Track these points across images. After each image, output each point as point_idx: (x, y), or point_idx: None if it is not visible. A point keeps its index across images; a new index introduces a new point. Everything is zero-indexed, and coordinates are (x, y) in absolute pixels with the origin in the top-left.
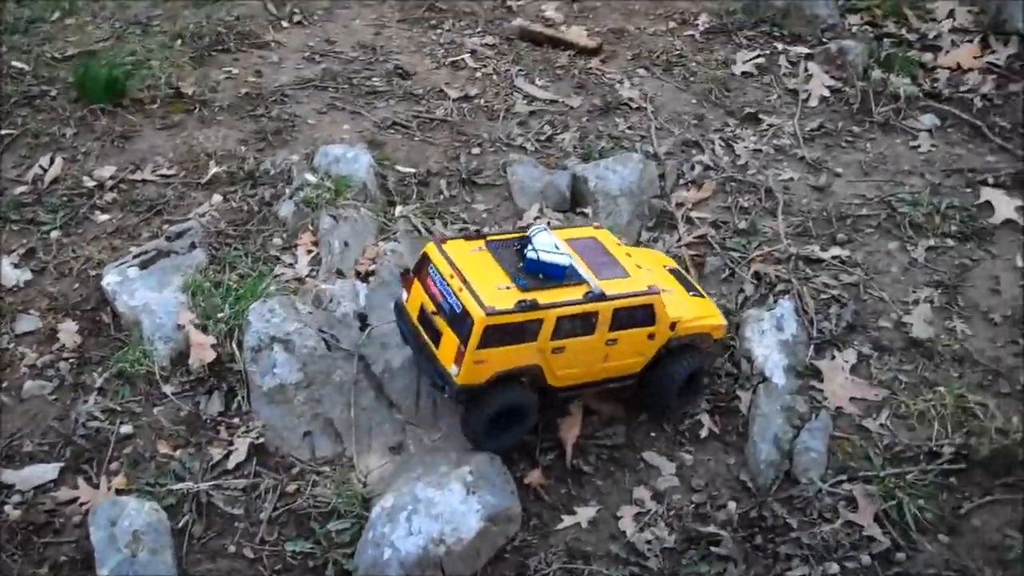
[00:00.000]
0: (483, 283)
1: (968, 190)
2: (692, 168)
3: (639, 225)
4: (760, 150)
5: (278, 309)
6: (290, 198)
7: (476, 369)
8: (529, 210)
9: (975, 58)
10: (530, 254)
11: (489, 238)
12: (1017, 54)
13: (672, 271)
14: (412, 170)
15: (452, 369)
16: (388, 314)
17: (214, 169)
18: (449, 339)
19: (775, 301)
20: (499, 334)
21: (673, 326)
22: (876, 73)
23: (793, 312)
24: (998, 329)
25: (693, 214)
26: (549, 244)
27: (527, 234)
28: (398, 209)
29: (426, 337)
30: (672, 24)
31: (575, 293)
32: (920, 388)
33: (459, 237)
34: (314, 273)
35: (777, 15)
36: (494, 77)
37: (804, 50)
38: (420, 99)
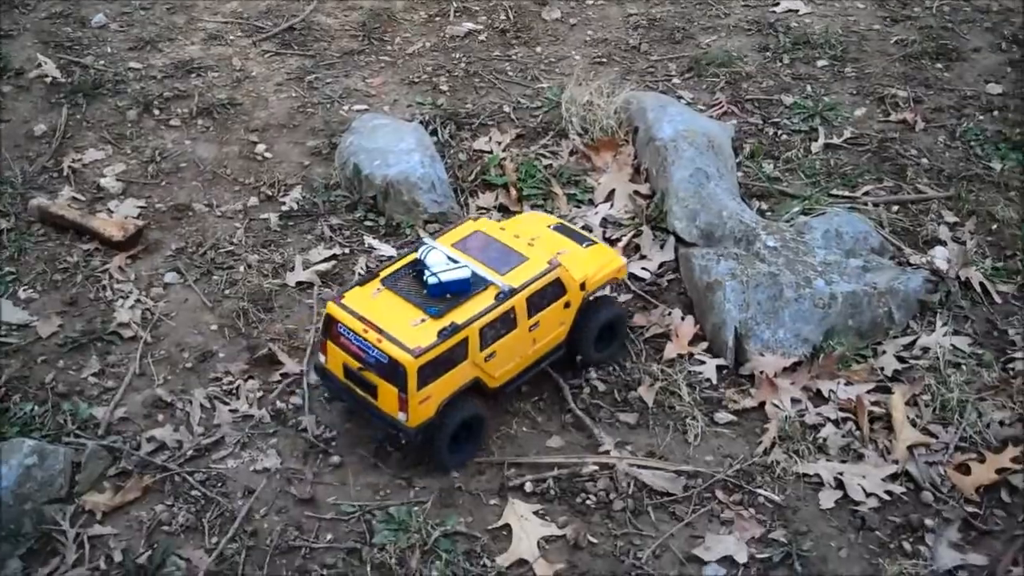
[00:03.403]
0: (398, 325)
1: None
2: (137, 447)
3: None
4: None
5: None
6: None
7: (423, 408)
8: None
9: None
10: (430, 279)
11: (383, 275)
12: (674, 263)
13: (557, 228)
14: None
15: (400, 417)
16: None
17: None
18: (387, 390)
19: None
20: (433, 368)
21: (583, 285)
22: None
23: None
24: None
25: (94, 531)
26: (443, 261)
27: (417, 256)
28: None
29: (362, 393)
30: (254, 200)
31: (487, 299)
32: None
33: (354, 285)
34: None
35: (379, 196)
36: None
37: (391, 251)
38: None
